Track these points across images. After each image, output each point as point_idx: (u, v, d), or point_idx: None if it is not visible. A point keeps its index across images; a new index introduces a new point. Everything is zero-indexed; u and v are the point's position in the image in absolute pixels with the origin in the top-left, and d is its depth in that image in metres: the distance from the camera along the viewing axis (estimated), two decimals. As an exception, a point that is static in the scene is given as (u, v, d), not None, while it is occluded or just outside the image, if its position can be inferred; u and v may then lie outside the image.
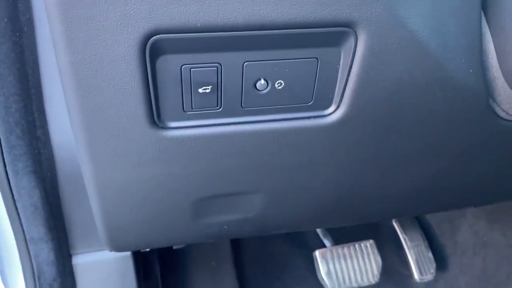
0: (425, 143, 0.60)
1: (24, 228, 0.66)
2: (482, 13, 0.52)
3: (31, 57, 0.58)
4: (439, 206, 0.82)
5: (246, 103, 0.51)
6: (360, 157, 0.59)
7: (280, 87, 0.50)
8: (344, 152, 0.58)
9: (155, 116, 0.49)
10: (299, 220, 0.72)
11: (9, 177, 0.61)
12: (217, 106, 0.50)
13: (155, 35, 0.43)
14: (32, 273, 0.68)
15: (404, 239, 1.24)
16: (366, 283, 1.11)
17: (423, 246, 1.24)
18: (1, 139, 0.59)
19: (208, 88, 0.49)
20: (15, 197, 0.62)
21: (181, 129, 0.51)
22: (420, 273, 1.20)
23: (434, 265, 1.22)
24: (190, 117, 0.51)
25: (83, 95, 0.46)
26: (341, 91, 0.52)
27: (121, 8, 0.41)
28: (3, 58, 0.57)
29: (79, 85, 0.45)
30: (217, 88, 0.49)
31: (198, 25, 0.43)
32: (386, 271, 1.18)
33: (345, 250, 1.13)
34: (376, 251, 1.14)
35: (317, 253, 1.12)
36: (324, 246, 1.17)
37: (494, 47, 0.54)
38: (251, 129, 0.53)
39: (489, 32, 0.54)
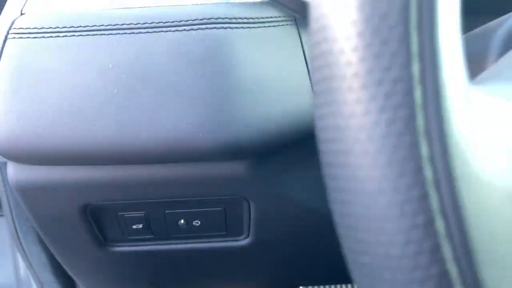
0: None
1: (38, 275, 0.88)
2: None
3: None
4: None
5: (172, 234, 0.66)
6: (273, 263, 0.73)
7: (197, 225, 0.65)
8: (259, 263, 0.72)
9: (102, 241, 0.66)
10: None
11: (23, 246, 0.83)
12: (150, 235, 0.66)
13: (91, 203, 0.59)
14: (47, 303, 0.92)
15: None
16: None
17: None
18: (15, 220, 0.80)
19: (141, 225, 0.65)
20: (29, 257, 0.85)
21: (124, 246, 0.68)
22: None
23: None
24: (131, 240, 0.67)
25: (44, 231, 0.64)
26: (247, 226, 0.65)
27: (63, 191, 0.57)
28: None
29: (39, 225, 0.63)
30: (147, 225, 0.65)
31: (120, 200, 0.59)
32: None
33: (323, 290, 1.28)
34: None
35: (297, 290, 1.27)
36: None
37: None
38: (179, 248, 0.68)
39: None
